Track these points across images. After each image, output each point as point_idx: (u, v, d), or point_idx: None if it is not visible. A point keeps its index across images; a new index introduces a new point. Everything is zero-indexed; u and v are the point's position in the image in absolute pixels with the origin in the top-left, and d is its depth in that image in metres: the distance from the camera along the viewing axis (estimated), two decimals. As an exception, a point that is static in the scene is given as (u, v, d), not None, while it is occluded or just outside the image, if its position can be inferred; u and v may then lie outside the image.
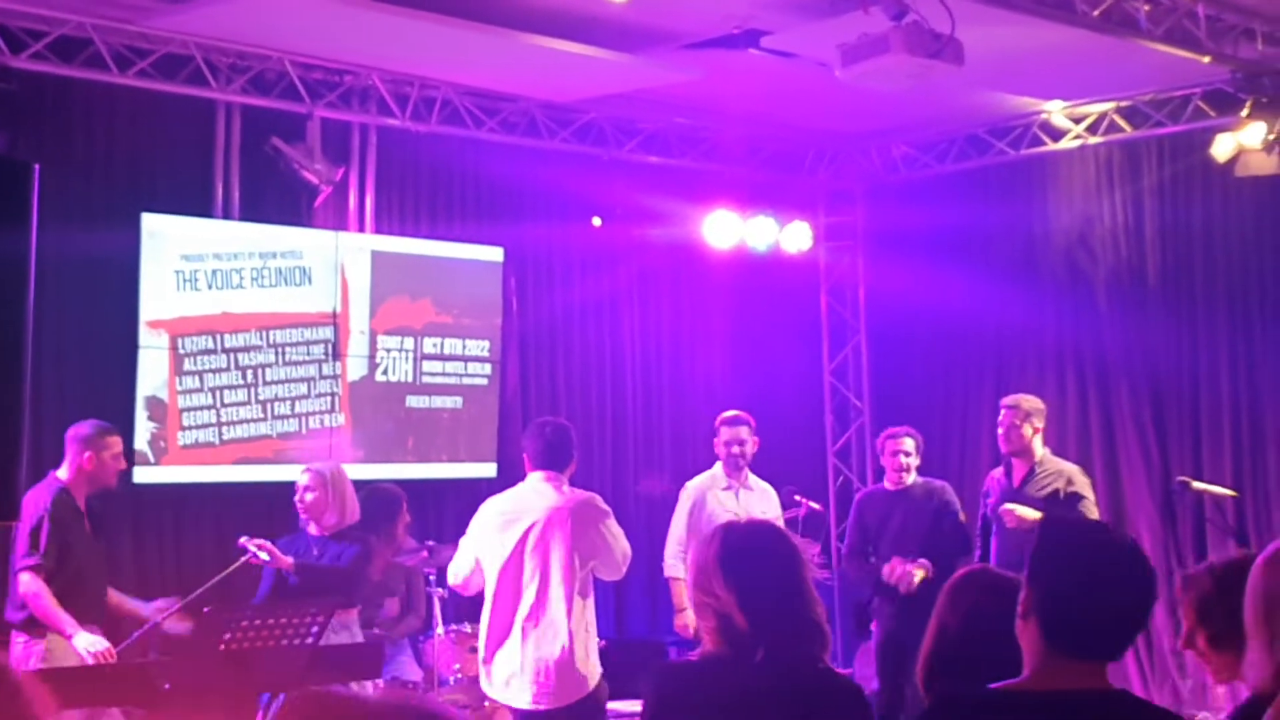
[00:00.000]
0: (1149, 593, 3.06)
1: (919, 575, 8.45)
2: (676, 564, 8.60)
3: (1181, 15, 8.52)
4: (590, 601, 6.97)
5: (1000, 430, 8.48)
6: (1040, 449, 8.42)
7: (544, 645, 6.76)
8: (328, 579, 7.35)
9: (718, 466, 8.78)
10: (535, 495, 6.97)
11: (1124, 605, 3.02)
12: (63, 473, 7.17)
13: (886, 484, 9.01)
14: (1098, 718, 3.00)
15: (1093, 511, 8.28)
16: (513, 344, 10.53)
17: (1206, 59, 8.83)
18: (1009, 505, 8.13)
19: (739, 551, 3.73)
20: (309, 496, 7.61)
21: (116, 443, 7.31)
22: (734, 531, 3.84)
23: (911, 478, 8.95)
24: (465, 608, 9.72)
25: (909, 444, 8.97)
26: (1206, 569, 3.64)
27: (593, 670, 6.89)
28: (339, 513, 7.60)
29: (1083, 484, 8.36)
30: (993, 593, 3.61)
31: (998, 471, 8.67)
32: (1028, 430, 8.40)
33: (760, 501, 8.66)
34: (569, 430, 7.18)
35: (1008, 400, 8.60)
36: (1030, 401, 8.49)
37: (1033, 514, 7.93)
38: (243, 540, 7.34)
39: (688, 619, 8.44)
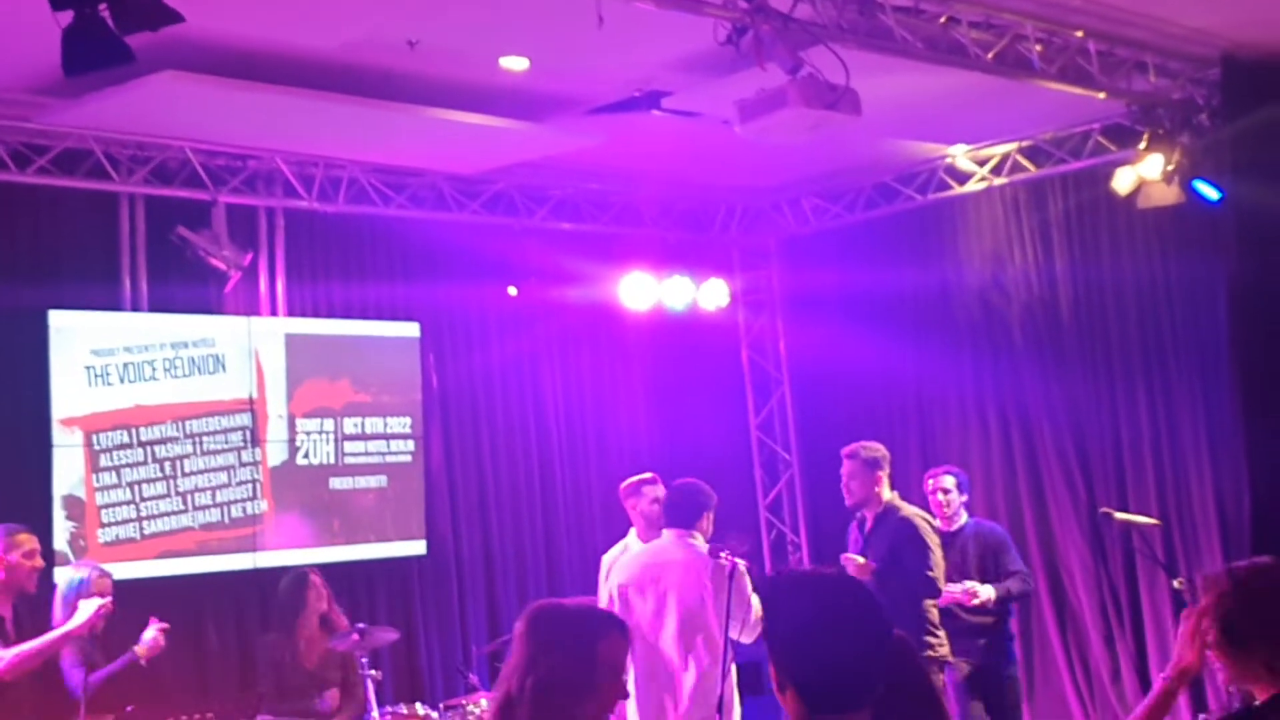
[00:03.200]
0: (883, 631, 2.99)
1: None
2: None
3: (1074, 53, 8.62)
4: None
5: (843, 482, 8.20)
6: (887, 495, 8.12)
7: None
8: None
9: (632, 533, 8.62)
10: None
11: (865, 651, 2.94)
12: None
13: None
14: None
15: (932, 557, 7.96)
16: (435, 418, 10.47)
17: (1101, 95, 8.94)
18: (848, 555, 7.98)
19: None
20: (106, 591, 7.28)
21: (27, 541, 6.98)
22: None
23: (963, 518, 8.87)
24: (403, 689, 9.65)
25: (949, 481, 8.89)
26: (1226, 571, 3.70)
27: None
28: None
29: (925, 530, 8.04)
30: None
31: (856, 521, 8.42)
32: (869, 479, 8.12)
33: None
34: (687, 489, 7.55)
35: (846, 450, 8.31)
36: (870, 450, 8.19)
37: (859, 560, 7.82)
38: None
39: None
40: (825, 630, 2.93)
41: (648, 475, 8.61)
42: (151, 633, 7.22)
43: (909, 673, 3.75)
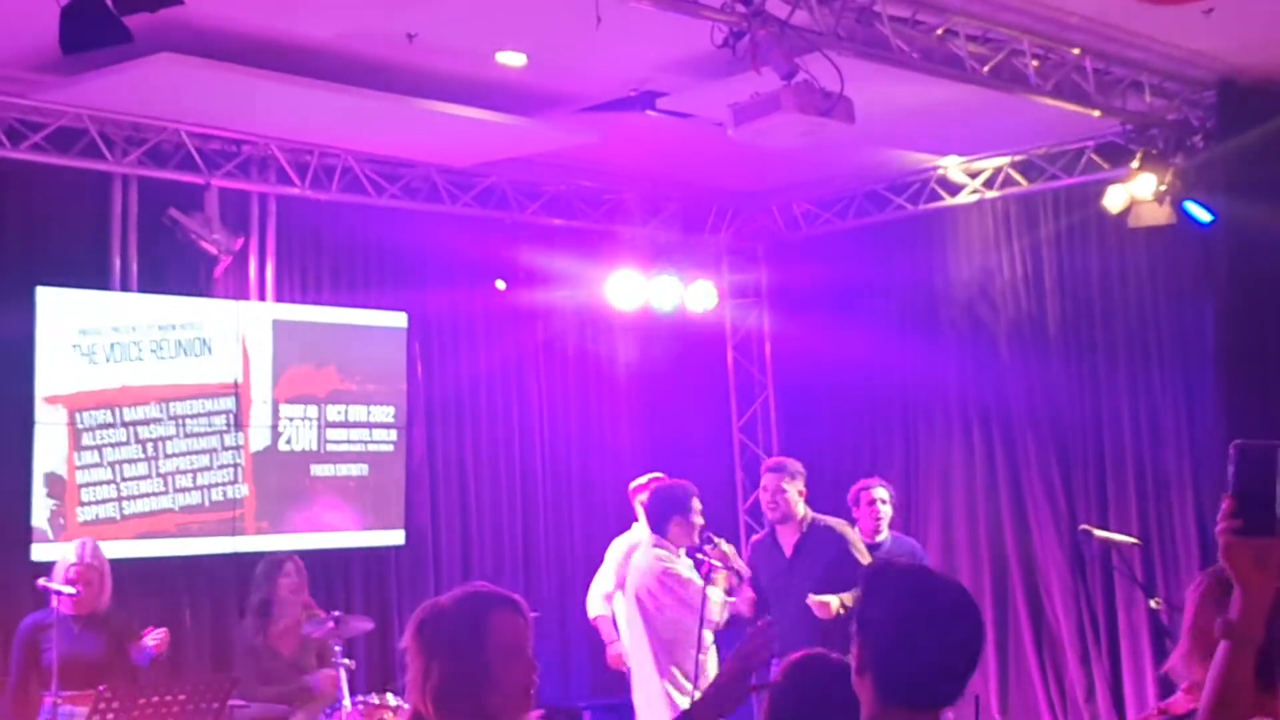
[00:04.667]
0: (979, 634, 3.02)
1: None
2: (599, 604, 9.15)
3: (1070, 70, 8.65)
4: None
5: (765, 495, 8.04)
6: (803, 510, 8.02)
7: None
8: None
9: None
10: None
11: (956, 650, 2.97)
12: None
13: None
14: None
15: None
16: (418, 409, 10.48)
17: (1096, 113, 8.97)
18: (817, 598, 7.57)
19: None
20: (91, 575, 7.52)
21: None
22: None
23: (884, 533, 8.80)
24: (375, 679, 9.66)
25: (884, 493, 8.83)
26: (1216, 569, 3.68)
27: None
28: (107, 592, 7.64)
29: (858, 539, 8.05)
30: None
31: (761, 538, 8.25)
32: (793, 493, 7.99)
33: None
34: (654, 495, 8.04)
35: (771, 463, 8.26)
36: (794, 463, 8.17)
37: (838, 601, 7.53)
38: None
39: (619, 648, 8.93)
40: (921, 624, 2.94)
41: (658, 475, 8.73)
42: (152, 642, 7.31)
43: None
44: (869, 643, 2.98)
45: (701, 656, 7.58)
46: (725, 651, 8.01)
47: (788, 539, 8.02)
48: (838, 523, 8.14)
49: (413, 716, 3.50)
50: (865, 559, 7.96)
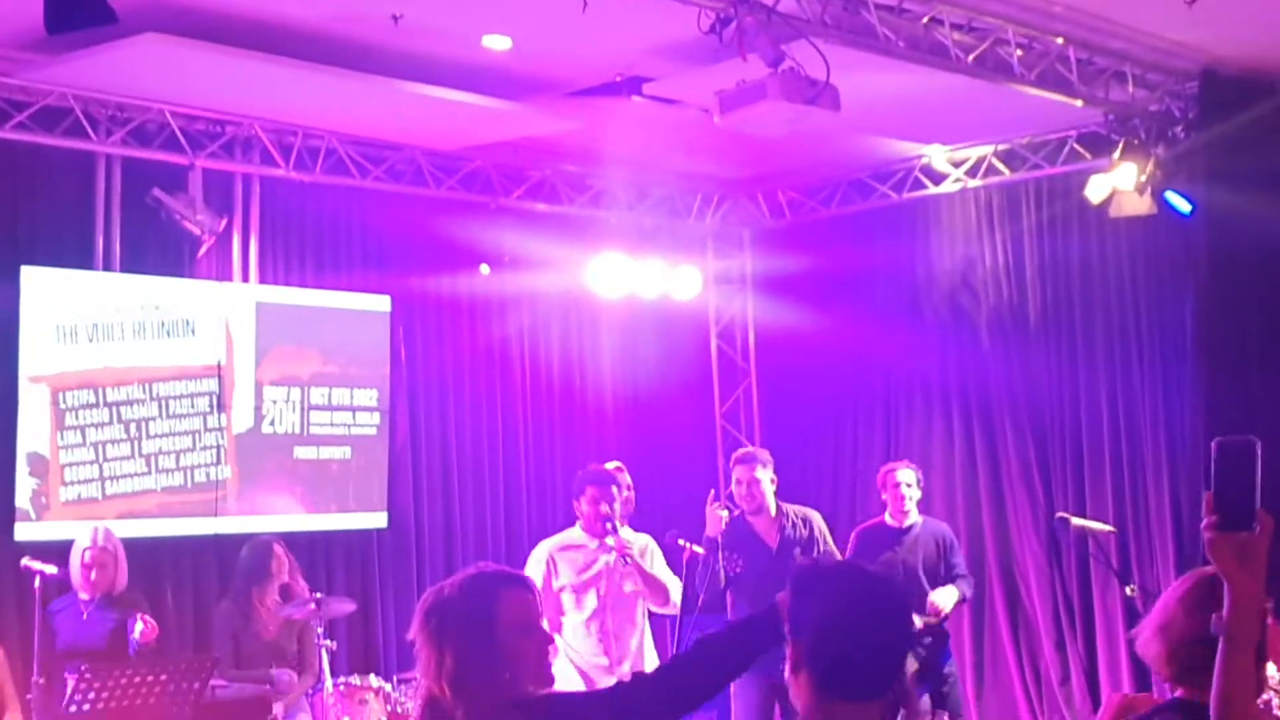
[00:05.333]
0: (907, 628, 3.08)
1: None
2: None
3: (1054, 59, 8.68)
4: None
5: (740, 488, 8.10)
6: (774, 499, 8.15)
7: None
8: None
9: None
10: None
11: (886, 645, 3.00)
12: None
13: (889, 519, 8.92)
14: None
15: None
16: (401, 392, 10.49)
17: (1079, 102, 9.00)
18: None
19: None
20: (105, 558, 7.70)
21: None
22: None
23: (915, 515, 8.90)
24: (357, 660, 9.68)
25: (910, 475, 8.91)
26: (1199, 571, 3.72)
27: None
28: (122, 575, 7.76)
29: (828, 534, 8.18)
30: None
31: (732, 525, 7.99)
32: (766, 482, 8.10)
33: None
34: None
35: (742, 454, 8.33)
36: (764, 452, 8.26)
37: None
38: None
39: None
40: (851, 619, 2.97)
41: (614, 465, 8.68)
42: (138, 633, 7.35)
43: None
44: (802, 642, 3.01)
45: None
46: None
47: (768, 531, 8.09)
48: (809, 512, 8.26)
49: (427, 700, 3.54)
50: (833, 549, 8.09)
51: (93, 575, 7.62)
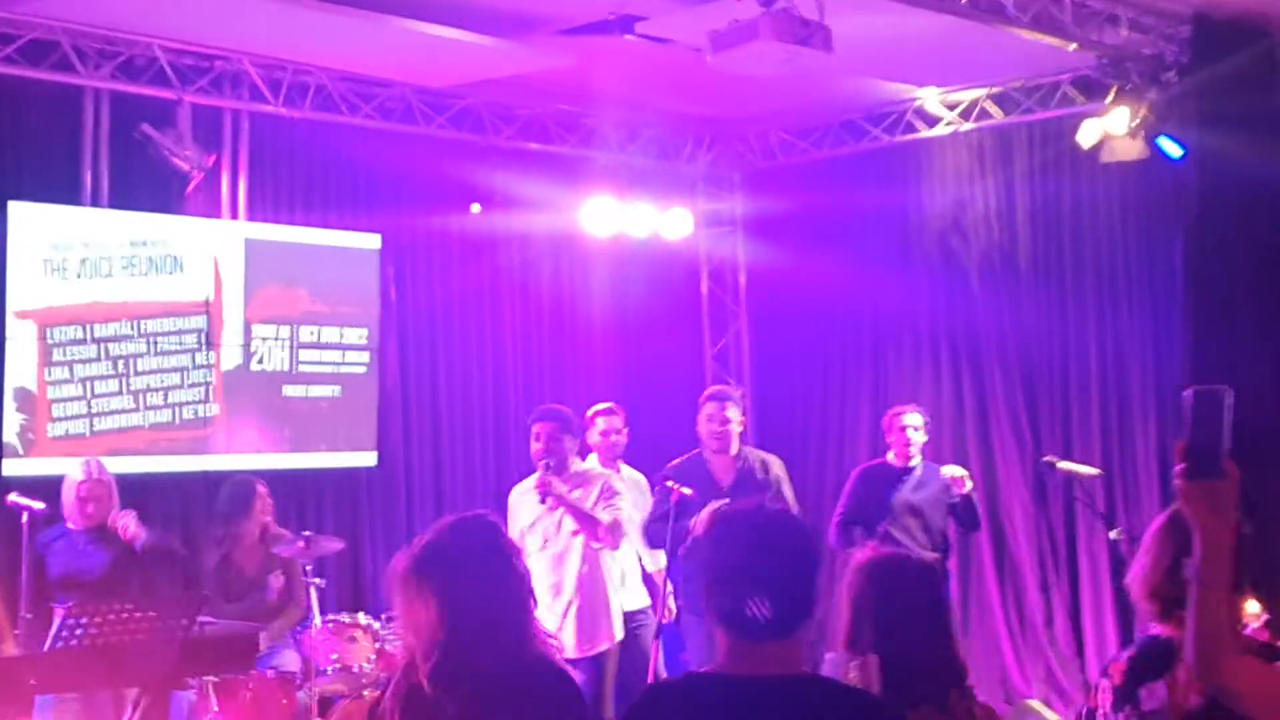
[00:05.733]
0: (811, 566, 3.07)
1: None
2: None
3: (1048, 2, 8.65)
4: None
5: (713, 424, 8.08)
6: (737, 441, 8.18)
7: None
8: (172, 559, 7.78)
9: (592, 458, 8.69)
10: None
11: (791, 582, 3.01)
12: None
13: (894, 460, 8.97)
14: (786, 700, 3.01)
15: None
16: (391, 332, 10.47)
17: (1073, 46, 8.97)
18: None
19: None
20: (100, 491, 7.71)
21: None
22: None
23: (918, 458, 8.95)
24: (345, 598, 9.71)
25: (917, 419, 8.94)
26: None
27: None
28: (115, 507, 7.77)
29: (788, 480, 8.25)
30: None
31: (686, 463, 8.11)
32: (736, 422, 8.13)
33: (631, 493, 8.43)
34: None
35: (715, 391, 8.35)
36: (736, 390, 8.35)
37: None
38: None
39: None
40: (756, 560, 2.99)
41: (605, 405, 8.68)
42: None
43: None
44: (709, 585, 3.05)
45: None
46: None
47: (725, 470, 8.09)
48: (770, 457, 8.31)
49: (407, 665, 3.55)
50: (789, 495, 8.14)
51: (89, 508, 7.61)
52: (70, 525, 7.66)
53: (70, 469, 7.79)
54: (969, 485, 8.73)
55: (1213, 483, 2.90)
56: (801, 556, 3.06)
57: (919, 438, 8.91)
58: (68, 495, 7.66)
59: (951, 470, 8.77)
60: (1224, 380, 2.92)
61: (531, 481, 7.74)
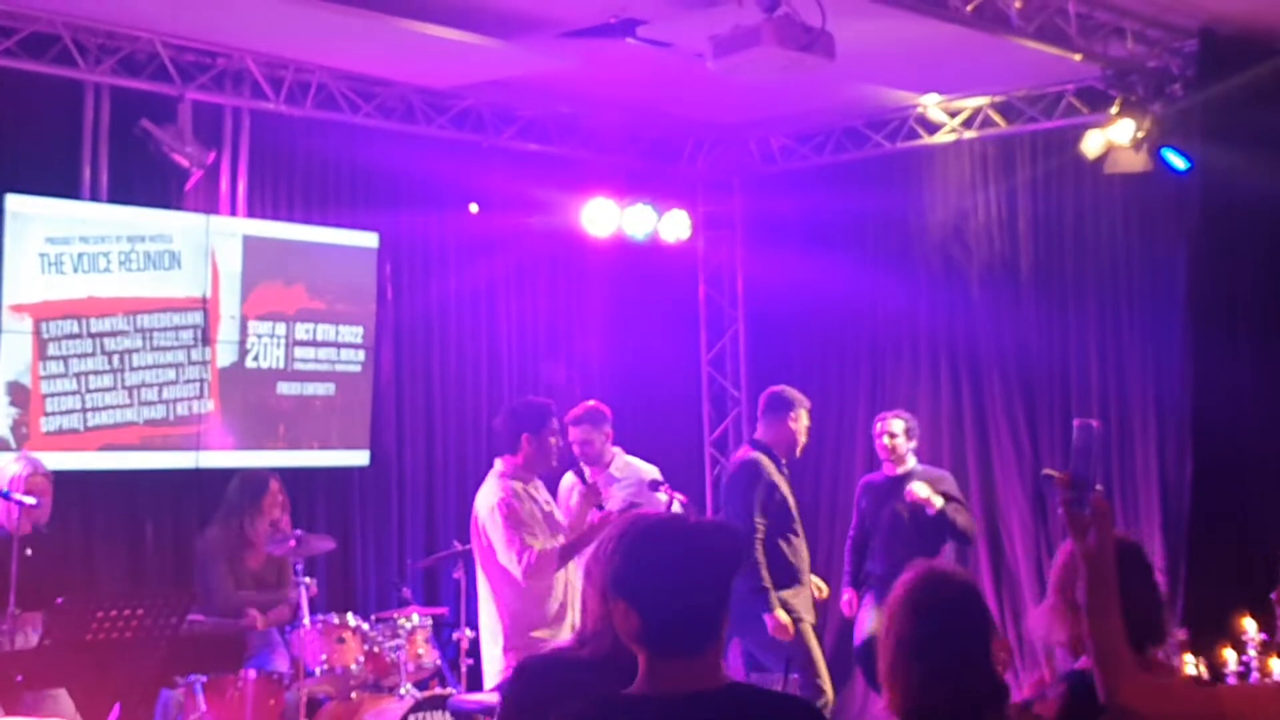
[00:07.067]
0: (721, 576, 2.94)
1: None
2: None
3: (1053, 13, 8.63)
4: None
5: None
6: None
7: None
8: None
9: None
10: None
11: (696, 594, 2.91)
12: None
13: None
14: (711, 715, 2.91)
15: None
16: (388, 330, 10.44)
17: (1077, 56, 8.95)
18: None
19: None
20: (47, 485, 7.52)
21: None
22: None
23: (910, 462, 8.95)
24: (339, 597, 9.68)
25: (896, 425, 8.95)
26: None
27: None
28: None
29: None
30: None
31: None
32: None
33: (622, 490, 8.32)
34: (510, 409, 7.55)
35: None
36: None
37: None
38: None
39: None
40: (665, 578, 2.90)
41: (577, 411, 8.50)
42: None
43: None
44: (627, 599, 2.94)
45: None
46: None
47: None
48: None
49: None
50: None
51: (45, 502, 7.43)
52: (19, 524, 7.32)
53: (4, 464, 7.61)
54: (938, 503, 8.68)
55: (1088, 510, 3.07)
56: (722, 577, 2.94)
57: (902, 444, 8.92)
58: (15, 490, 7.36)
59: (918, 490, 8.71)
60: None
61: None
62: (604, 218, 11.15)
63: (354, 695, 7.87)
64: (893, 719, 3.48)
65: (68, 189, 8.97)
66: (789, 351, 12.02)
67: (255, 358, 9.65)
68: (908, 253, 11.38)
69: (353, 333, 10.10)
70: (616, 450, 8.48)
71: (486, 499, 7.26)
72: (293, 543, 8.05)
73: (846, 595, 9.07)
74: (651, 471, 8.37)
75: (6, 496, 7.25)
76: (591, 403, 8.53)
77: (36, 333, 8.69)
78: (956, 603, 3.56)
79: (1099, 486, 3.16)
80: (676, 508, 7.80)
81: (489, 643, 7.25)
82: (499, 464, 7.38)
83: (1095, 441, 2.97)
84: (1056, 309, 10.66)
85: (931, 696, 3.43)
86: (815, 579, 8.51)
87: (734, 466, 8.56)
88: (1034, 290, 10.76)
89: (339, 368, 10.04)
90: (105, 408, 8.98)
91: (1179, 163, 9.33)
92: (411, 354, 10.71)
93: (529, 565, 6.94)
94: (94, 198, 9.05)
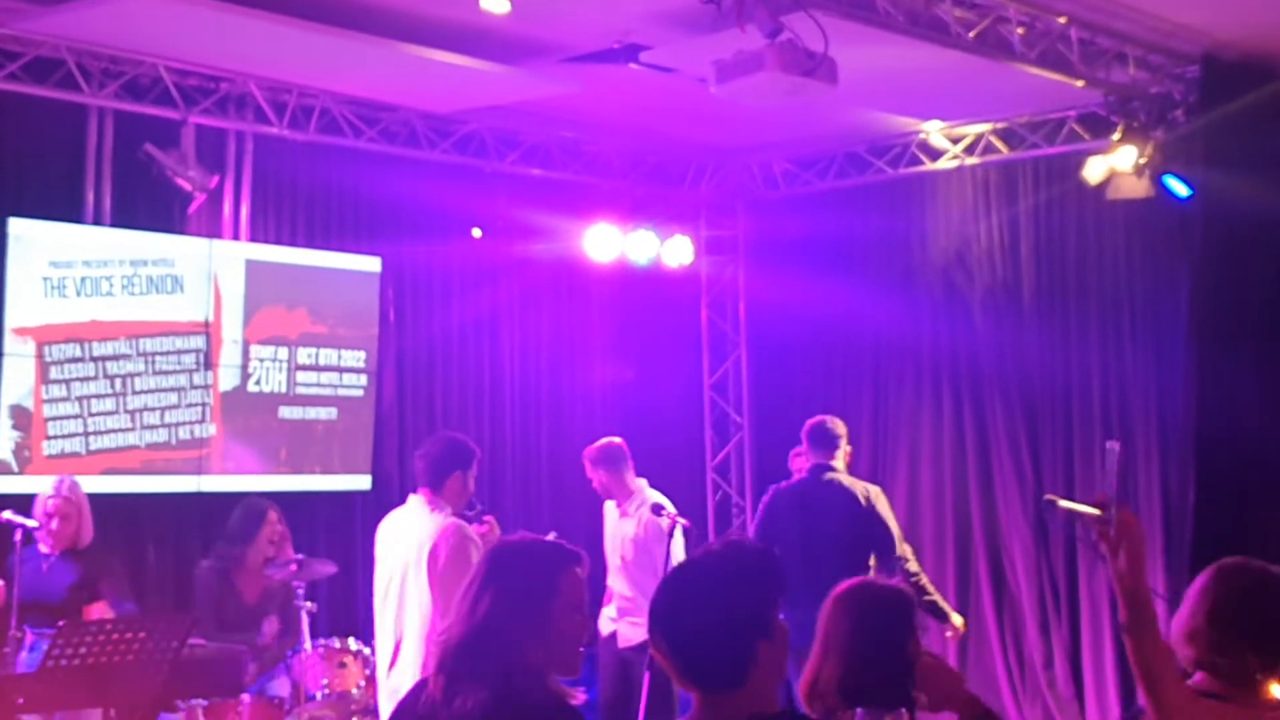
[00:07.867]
0: (734, 607, 2.91)
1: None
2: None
3: (1055, 39, 8.63)
4: None
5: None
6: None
7: None
8: None
9: None
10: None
11: (698, 633, 2.90)
12: None
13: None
14: None
15: None
16: (390, 355, 10.44)
17: (1080, 83, 8.95)
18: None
19: None
20: (67, 509, 7.61)
21: None
22: None
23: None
24: (340, 621, 9.65)
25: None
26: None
27: None
28: (86, 529, 7.69)
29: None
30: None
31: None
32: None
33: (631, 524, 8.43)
34: (443, 443, 6.94)
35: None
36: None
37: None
38: None
39: None
40: (688, 611, 2.92)
41: (594, 453, 8.50)
42: None
43: None
44: (658, 648, 2.97)
45: None
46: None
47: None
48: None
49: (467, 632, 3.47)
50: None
51: (54, 525, 7.53)
52: (41, 546, 7.57)
53: (41, 486, 7.73)
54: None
55: (1118, 530, 3.12)
56: (745, 600, 2.92)
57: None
58: (36, 512, 7.58)
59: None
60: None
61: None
62: (607, 242, 11.16)
63: (355, 720, 7.86)
64: None
65: (71, 213, 8.99)
66: (792, 376, 12.02)
67: (257, 382, 9.65)
68: (910, 278, 11.38)
69: (355, 357, 10.10)
70: (641, 482, 8.50)
71: (443, 529, 6.54)
72: (294, 567, 8.05)
73: None
74: (656, 497, 8.36)
75: (9, 521, 7.31)
76: (606, 441, 8.51)
77: (39, 356, 8.70)
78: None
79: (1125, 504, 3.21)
80: (679, 534, 7.78)
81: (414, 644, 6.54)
82: (426, 496, 6.70)
83: (1119, 463, 3.02)
84: (1059, 334, 10.66)
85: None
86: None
87: (870, 492, 8.34)
88: (1036, 315, 10.76)
89: (341, 392, 10.04)
90: (107, 431, 8.98)
91: (1181, 189, 9.32)
92: (414, 378, 10.71)
93: None
94: (97, 221, 9.07)
